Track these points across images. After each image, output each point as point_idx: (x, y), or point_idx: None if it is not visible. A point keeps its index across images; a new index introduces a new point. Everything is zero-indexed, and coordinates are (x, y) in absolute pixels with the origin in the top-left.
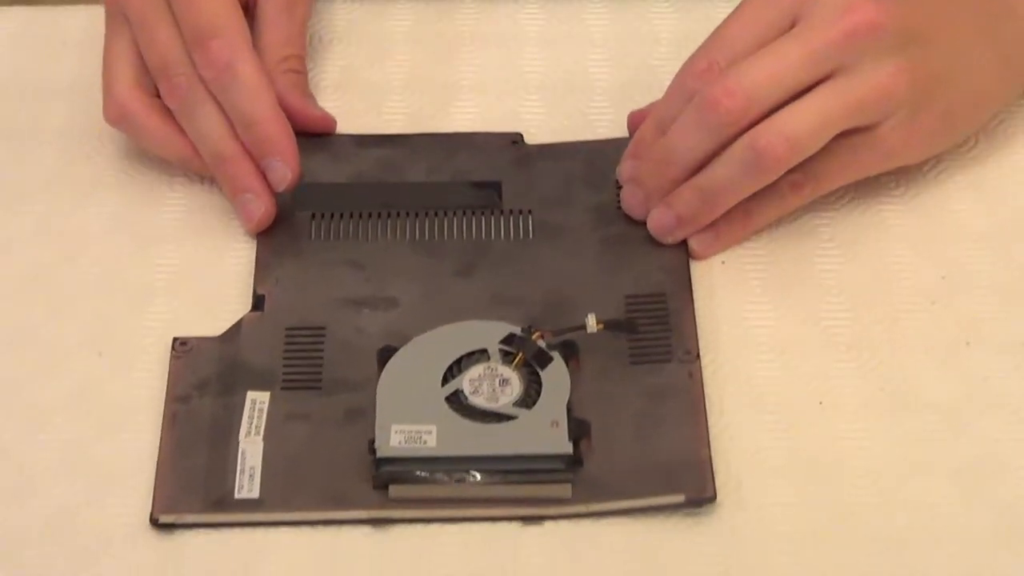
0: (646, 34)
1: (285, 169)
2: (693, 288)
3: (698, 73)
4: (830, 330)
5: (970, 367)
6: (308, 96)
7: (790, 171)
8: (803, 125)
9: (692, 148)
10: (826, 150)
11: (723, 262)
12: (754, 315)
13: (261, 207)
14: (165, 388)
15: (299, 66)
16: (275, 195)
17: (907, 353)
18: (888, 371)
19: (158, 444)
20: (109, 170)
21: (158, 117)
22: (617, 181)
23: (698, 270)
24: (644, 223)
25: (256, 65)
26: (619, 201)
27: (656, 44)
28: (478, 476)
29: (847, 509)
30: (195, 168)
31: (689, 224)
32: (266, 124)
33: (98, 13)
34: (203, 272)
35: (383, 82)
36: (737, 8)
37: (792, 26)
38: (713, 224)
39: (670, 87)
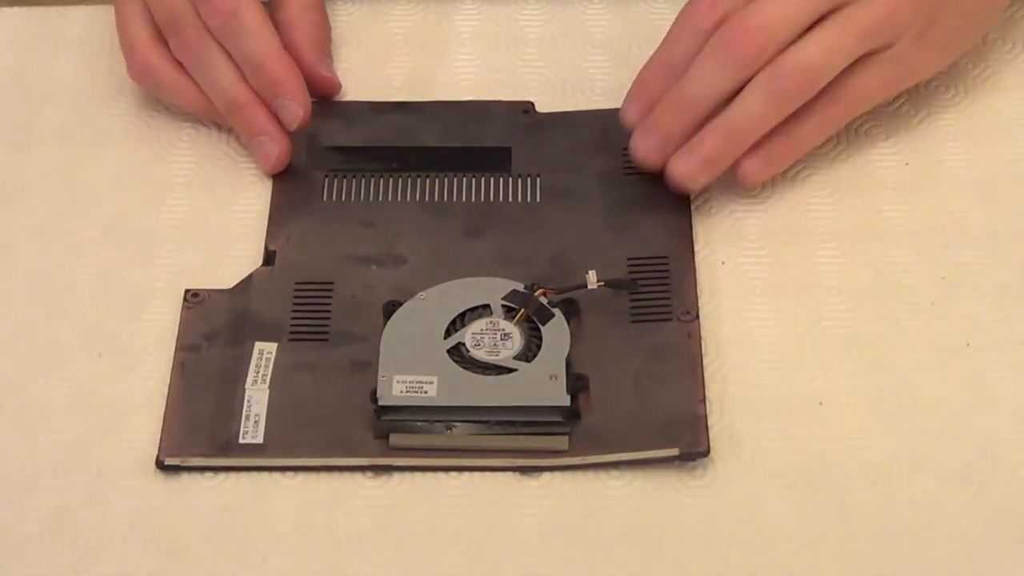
0: (646, 34)
1: (296, 107)
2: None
3: (704, 12)
4: (830, 330)
5: (970, 367)
6: (324, 54)
7: (824, 92)
8: (819, 54)
9: (714, 89)
10: (855, 71)
11: (723, 262)
12: (754, 315)
13: (276, 148)
14: (175, 338)
15: (319, 18)
16: (289, 135)
17: (907, 353)
18: (888, 371)
19: (165, 395)
20: (109, 170)
21: (177, 71)
22: (625, 147)
23: (700, 270)
24: (650, 187)
25: (259, 10)
26: (626, 166)
27: (655, 44)
28: (477, 426)
29: (847, 509)
30: (216, 118)
31: (715, 166)
32: (272, 66)
33: (98, 13)
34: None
35: (383, 83)
36: None
37: None
38: (763, 150)
39: (673, 28)
